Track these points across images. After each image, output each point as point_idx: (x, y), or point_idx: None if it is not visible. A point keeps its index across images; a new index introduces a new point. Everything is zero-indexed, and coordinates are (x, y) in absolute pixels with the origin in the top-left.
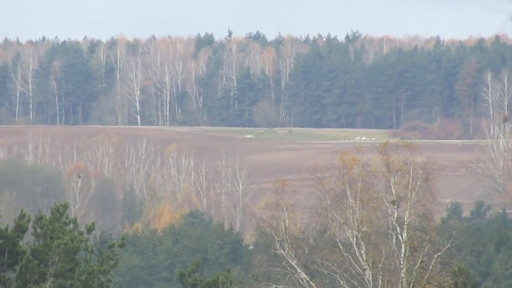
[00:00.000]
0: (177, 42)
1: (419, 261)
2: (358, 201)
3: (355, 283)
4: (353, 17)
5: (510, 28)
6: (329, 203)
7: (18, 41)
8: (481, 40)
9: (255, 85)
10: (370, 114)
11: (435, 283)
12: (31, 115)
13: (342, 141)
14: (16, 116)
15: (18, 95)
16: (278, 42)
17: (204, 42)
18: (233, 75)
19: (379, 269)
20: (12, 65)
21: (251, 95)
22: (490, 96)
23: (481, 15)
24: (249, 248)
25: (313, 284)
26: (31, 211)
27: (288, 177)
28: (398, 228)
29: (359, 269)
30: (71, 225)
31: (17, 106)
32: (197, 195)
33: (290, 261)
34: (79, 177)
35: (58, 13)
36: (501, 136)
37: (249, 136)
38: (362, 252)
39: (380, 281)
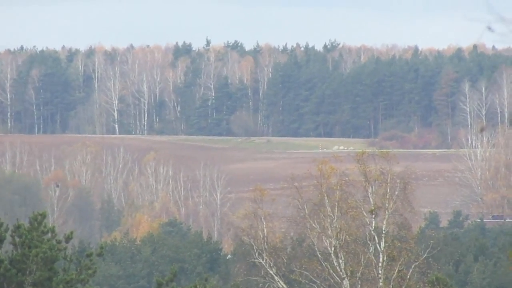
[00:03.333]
0: (155, 51)
1: (397, 270)
2: (336, 210)
3: None
4: (331, 26)
5: (488, 37)
6: (307, 212)
7: None
8: (459, 50)
9: (233, 94)
10: (348, 124)
11: None
12: (8, 124)
13: (320, 151)
14: None
15: None
16: (256, 51)
17: (182, 51)
18: (211, 84)
19: (357, 278)
20: None
21: (229, 104)
22: (467, 105)
23: (459, 24)
24: (228, 258)
25: None
26: (9, 220)
27: (266, 186)
28: (376, 238)
29: (338, 278)
30: (49, 234)
31: None
32: (175, 204)
33: (269, 270)
34: (57, 186)
35: (36, 22)
36: (479, 146)
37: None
38: (341, 261)
39: None
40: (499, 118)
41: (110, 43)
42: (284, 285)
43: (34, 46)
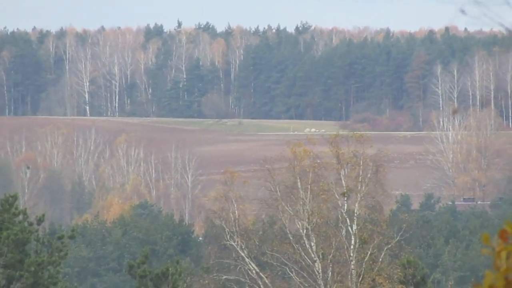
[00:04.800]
0: (127, 33)
1: (369, 253)
2: (309, 193)
3: (305, 275)
4: (303, 8)
5: (460, 20)
6: (279, 194)
7: None
8: (431, 32)
9: (205, 76)
10: (320, 106)
11: (385, 275)
12: None
13: (292, 133)
14: None
15: None
16: (228, 33)
17: (154, 33)
18: (182, 66)
19: (329, 261)
20: None
21: (201, 86)
22: (439, 88)
23: (431, 7)
24: (199, 240)
25: (263, 276)
26: None
27: (237, 169)
28: (348, 220)
29: (309, 260)
30: (21, 216)
31: None
32: (146, 187)
33: (240, 252)
34: (28, 168)
35: (6, 3)
36: (450, 128)
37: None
38: (312, 243)
39: (330, 273)
40: (470, 100)
41: (81, 25)
42: (255, 268)
43: (5, 28)
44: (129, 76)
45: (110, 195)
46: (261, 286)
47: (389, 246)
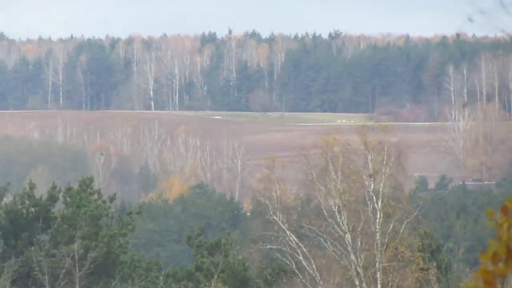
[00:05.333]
0: (185, 40)
1: (392, 226)
2: (340, 175)
3: (337, 245)
4: (335, 17)
5: (469, 27)
6: (314, 176)
7: (50, 39)
8: (444, 38)
9: (251, 76)
10: (349, 101)
11: (405, 244)
12: (61, 101)
13: (325, 124)
14: (48, 103)
15: (50, 85)
16: (271, 39)
17: (208, 39)
18: (232, 67)
19: (358, 232)
20: (45, 59)
21: (248, 84)
22: (451, 85)
23: (444, 16)
24: (247, 215)
25: (301, 245)
26: (61, 183)
27: (279, 155)
28: (374, 198)
29: (341, 232)
30: (96, 195)
31: (49, 94)
32: (202, 170)
33: (282, 225)
34: (102, 154)
35: (82, 14)
36: (461, 119)
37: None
38: (343, 218)
39: (359, 243)
40: (478, 96)
41: (147, 32)
42: (295, 239)
43: (82, 35)
44: (187, 76)
45: (172, 177)
46: (300, 254)
47: (409, 220)
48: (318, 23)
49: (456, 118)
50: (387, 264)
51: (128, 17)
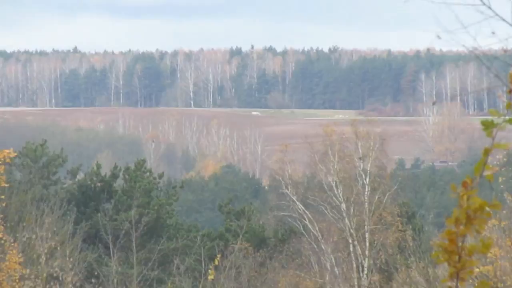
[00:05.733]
0: (217, 52)
1: (377, 197)
2: (336, 157)
3: (335, 212)
4: (333, 35)
5: (437, 43)
6: (317, 159)
7: (113, 52)
8: (418, 51)
9: (269, 81)
10: (345, 100)
11: (388, 211)
12: (121, 100)
13: (326, 118)
14: (111, 101)
15: (112, 88)
16: (284, 53)
17: (235, 52)
18: (254, 74)
19: (351, 202)
20: (109, 68)
21: (266, 87)
22: (423, 88)
23: (418, 34)
24: (265, 189)
25: (307, 212)
26: (121, 164)
27: (291, 142)
28: (363, 175)
29: (338, 202)
30: (148, 173)
31: (112, 95)
32: (231, 154)
33: (292, 197)
34: (153, 141)
35: (138, 31)
36: (431, 115)
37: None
38: (340, 191)
39: (352, 210)
40: (444, 96)
41: (188, 46)
42: (302, 207)
43: (137, 49)
44: (219, 81)
45: (207, 159)
46: (306, 219)
47: (390, 192)
48: (321, 40)
49: (427, 113)
50: (373, 226)
51: (173, 34)
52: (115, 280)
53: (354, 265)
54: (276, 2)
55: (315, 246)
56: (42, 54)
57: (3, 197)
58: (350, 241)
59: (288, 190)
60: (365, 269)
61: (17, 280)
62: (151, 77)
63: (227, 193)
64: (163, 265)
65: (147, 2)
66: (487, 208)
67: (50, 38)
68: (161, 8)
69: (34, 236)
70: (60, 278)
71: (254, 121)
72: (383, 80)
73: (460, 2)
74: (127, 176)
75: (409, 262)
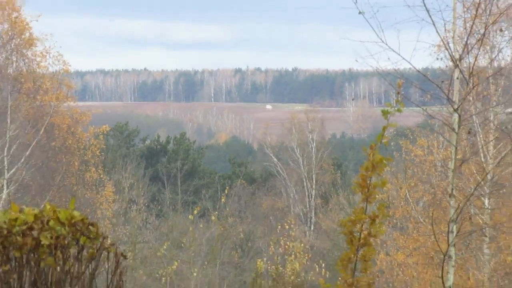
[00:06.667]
0: (227, 71)
1: (320, 154)
2: (297, 131)
3: (296, 163)
4: (295, 60)
5: (355, 64)
6: (286, 132)
7: (167, 70)
8: (343, 70)
9: (257, 88)
10: (301, 98)
11: (326, 162)
12: (171, 98)
13: (291, 109)
14: (165, 99)
15: (166, 91)
16: (266, 71)
17: (238, 70)
18: (249, 84)
19: (304, 157)
20: (164, 79)
21: (256, 91)
22: (347, 91)
23: (344, 59)
24: (255, 150)
25: (279, 163)
26: (172, 135)
27: (270, 122)
28: (312, 142)
29: (297, 157)
30: (187, 140)
31: (166, 95)
32: (235, 129)
33: (270, 154)
34: (190, 122)
35: (182, 57)
36: (351, 107)
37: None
38: (298, 151)
39: (305, 162)
40: (359, 96)
41: (210, 67)
42: (276, 160)
43: (181, 68)
44: (228, 87)
45: (221, 132)
46: (279, 167)
47: (327, 151)
48: (287, 62)
49: (349, 106)
50: (317, 171)
51: (202, 59)
52: (168, 202)
53: (306, 194)
54: (264, 42)
55: (284, 183)
56: (125, 71)
57: (103, 153)
58: (304, 180)
59: (268, 150)
60: (313, 196)
61: (110, 202)
62: (189, 85)
63: (233, 152)
64: (195, 193)
65: (189, 40)
66: (384, 161)
67: (129, 61)
68: (200, 44)
69: (121, 176)
70: (136, 201)
71: (249, 110)
72: (324, 87)
73: (369, 41)
74: (175, 142)
75: (338, 192)
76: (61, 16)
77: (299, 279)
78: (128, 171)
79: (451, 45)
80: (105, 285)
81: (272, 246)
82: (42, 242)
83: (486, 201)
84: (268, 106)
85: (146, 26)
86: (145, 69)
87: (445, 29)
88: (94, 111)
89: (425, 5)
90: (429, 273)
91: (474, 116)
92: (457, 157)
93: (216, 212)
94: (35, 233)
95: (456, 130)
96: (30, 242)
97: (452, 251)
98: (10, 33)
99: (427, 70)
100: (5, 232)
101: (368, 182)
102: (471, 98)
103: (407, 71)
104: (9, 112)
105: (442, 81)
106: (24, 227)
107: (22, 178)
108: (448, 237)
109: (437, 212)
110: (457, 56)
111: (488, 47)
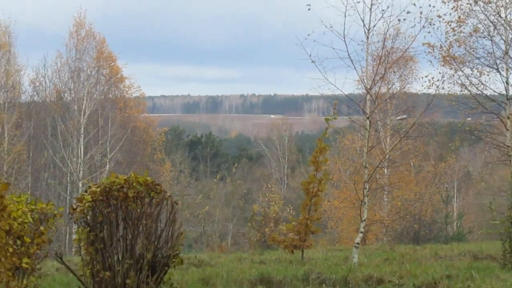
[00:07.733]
0: (235, 94)
1: (291, 145)
2: (276, 130)
3: (276, 149)
4: (275, 86)
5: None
6: (270, 131)
7: (201, 95)
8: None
9: (254, 104)
10: (278, 112)
11: (293, 149)
12: (203, 111)
13: (272, 118)
14: (200, 113)
15: (200, 108)
16: (259, 95)
17: (242, 95)
18: (248, 101)
19: (281, 147)
20: (200, 101)
21: (251, 107)
22: (308, 106)
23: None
24: (253, 142)
25: (266, 149)
26: (204, 132)
27: (262, 125)
28: (285, 139)
29: (276, 148)
30: (212, 137)
31: (201, 110)
32: (242, 129)
33: (261, 144)
34: (214, 125)
35: (211, 89)
36: (308, 116)
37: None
38: (278, 143)
39: (282, 150)
40: (315, 109)
41: (223, 93)
42: (264, 147)
43: (211, 93)
44: (237, 106)
45: (233, 131)
46: (266, 152)
47: (294, 143)
48: (272, 88)
49: (307, 116)
50: (288, 154)
51: (223, 85)
52: (201, 172)
53: (282, 166)
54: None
55: (269, 160)
56: (177, 96)
57: (164, 144)
58: (280, 158)
59: (260, 142)
60: (285, 168)
61: (168, 172)
62: (214, 104)
63: (239, 143)
64: (218, 166)
65: (214, 76)
66: (326, 147)
67: (179, 90)
68: (220, 79)
69: (174, 157)
70: (183, 171)
71: (249, 118)
72: (293, 105)
73: (318, 78)
74: (206, 137)
75: (300, 165)
76: (140, 63)
77: (277, 216)
78: (178, 154)
79: (365, 80)
80: (165, 220)
81: (261, 197)
82: (129, 195)
83: (386, 170)
84: (260, 116)
85: (186, 69)
86: (188, 94)
87: (362, 71)
88: (159, 119)
89: (350, 58)
90: (352, 212)
91: (378, 121)
92: (368, 145)
93: (230, 177)
94: (125, 190)
95: (368, 129)
96: (122, 195)
97: (365, 199)
98: (110, 74)
99: (352, 95)
100: (108, 189)
101: (318, 159)
102: (376, 111)
103: (340, 95)
104: (109, 120)
105: (360, 101)
106: (119, 186)
107: (117, 158)
108: (363, 191)
109: (357, 177)
110: (368, 86)
111: (386, 81)
